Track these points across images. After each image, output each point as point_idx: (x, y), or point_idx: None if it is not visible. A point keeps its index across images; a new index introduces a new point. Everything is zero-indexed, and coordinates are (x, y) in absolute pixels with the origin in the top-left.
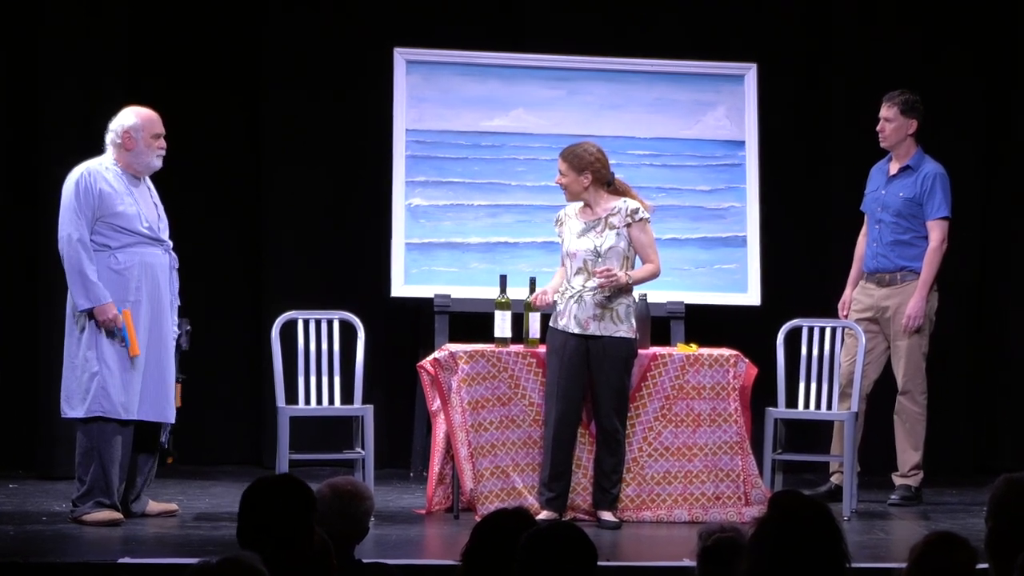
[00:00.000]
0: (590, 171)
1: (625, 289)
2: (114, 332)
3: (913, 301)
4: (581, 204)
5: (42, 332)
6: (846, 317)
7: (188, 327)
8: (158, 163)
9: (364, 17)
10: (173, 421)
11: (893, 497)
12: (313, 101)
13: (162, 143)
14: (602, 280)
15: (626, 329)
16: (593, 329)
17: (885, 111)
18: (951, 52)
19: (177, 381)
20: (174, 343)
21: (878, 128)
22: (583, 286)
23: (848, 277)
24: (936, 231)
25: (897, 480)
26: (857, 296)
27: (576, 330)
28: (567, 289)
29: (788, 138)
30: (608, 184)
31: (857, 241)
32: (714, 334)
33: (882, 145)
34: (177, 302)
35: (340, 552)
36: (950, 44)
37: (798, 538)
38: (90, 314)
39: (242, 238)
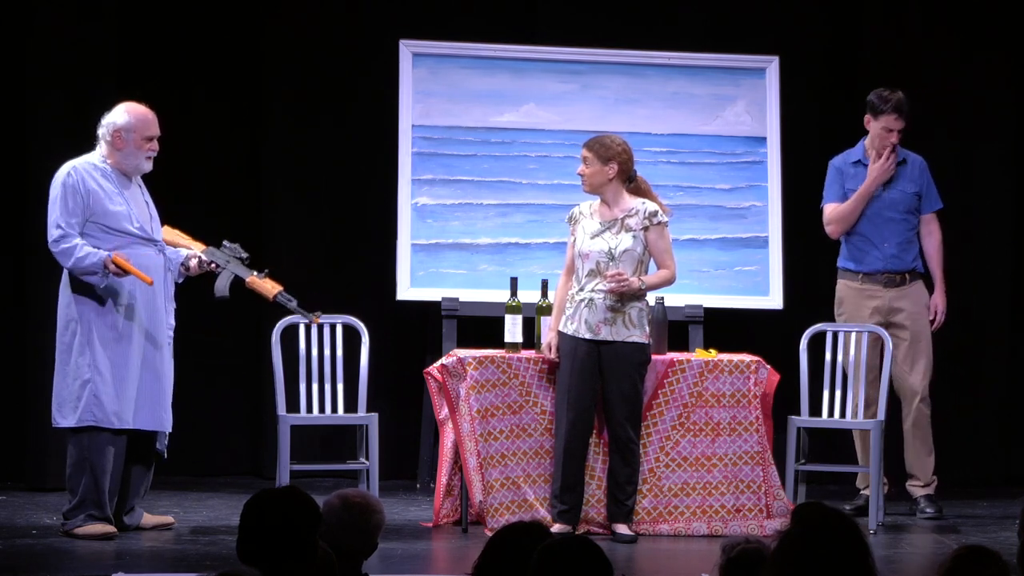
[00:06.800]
0: (616, 162)
1: (638, 293)
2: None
3: (938, 297)
4: (598, 202)
5: (32, 337)
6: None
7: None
8: (147, 166)
9: (368, 8)
10: (170, 429)
11: (928, 511)
12: (315, 96)
13: (154, 145)
14: (612, 284)
15: (639, 334)
16: (604, 334)
17: (896, 122)
18: (981, 44)
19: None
20: (170, 347)
21: (893, 140)
22: (594, 289)
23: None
24: (936, 223)
25: (918, 491)
26: (862, 301)
27: (587, 335)
28: (577, 291)
29: (811, 134)
30: (629, 181)
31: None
32: (734, 339)
33: (889, 151)
34: (173, 304)
35: (347, 568)
36: (980, 36)
37: (822, 552)
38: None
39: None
